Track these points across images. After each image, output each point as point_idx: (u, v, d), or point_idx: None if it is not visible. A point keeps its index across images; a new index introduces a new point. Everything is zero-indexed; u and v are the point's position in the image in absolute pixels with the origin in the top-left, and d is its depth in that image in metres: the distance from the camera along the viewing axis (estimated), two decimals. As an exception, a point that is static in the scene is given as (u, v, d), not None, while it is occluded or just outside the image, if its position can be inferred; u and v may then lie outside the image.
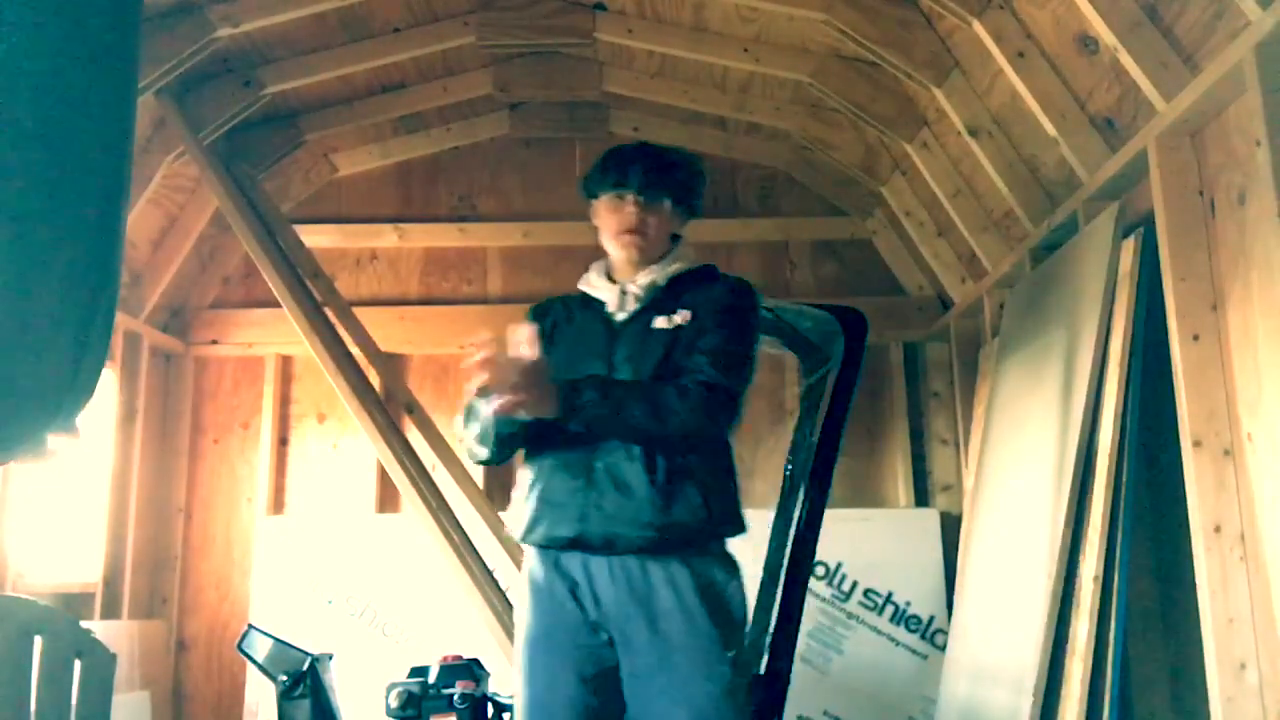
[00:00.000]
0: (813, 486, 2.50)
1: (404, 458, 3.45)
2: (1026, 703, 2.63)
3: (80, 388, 1.03)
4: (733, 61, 3.68)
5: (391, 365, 4.13)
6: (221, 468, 4.24)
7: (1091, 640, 2.49)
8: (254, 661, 2.91)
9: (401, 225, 4.41)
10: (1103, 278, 2.66)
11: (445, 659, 2.80)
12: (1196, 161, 2.39)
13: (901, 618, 3.92)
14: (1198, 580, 2.24)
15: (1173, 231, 2.38)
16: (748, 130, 4.27)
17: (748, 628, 1.95)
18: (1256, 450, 2.17)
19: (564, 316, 2.04)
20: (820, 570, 3.91)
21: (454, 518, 3.43)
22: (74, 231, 1.00)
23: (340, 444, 4.22)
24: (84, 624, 2.64)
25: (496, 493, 4.08)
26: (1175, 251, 2.37)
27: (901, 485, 4.13)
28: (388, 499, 4.11)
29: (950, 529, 3.92)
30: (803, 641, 3.56)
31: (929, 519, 4.03)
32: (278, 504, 4.18)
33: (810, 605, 3.51)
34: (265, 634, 2.92)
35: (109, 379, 3.81)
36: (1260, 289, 2.15)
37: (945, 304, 4.20)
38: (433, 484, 3.50)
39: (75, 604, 3.52)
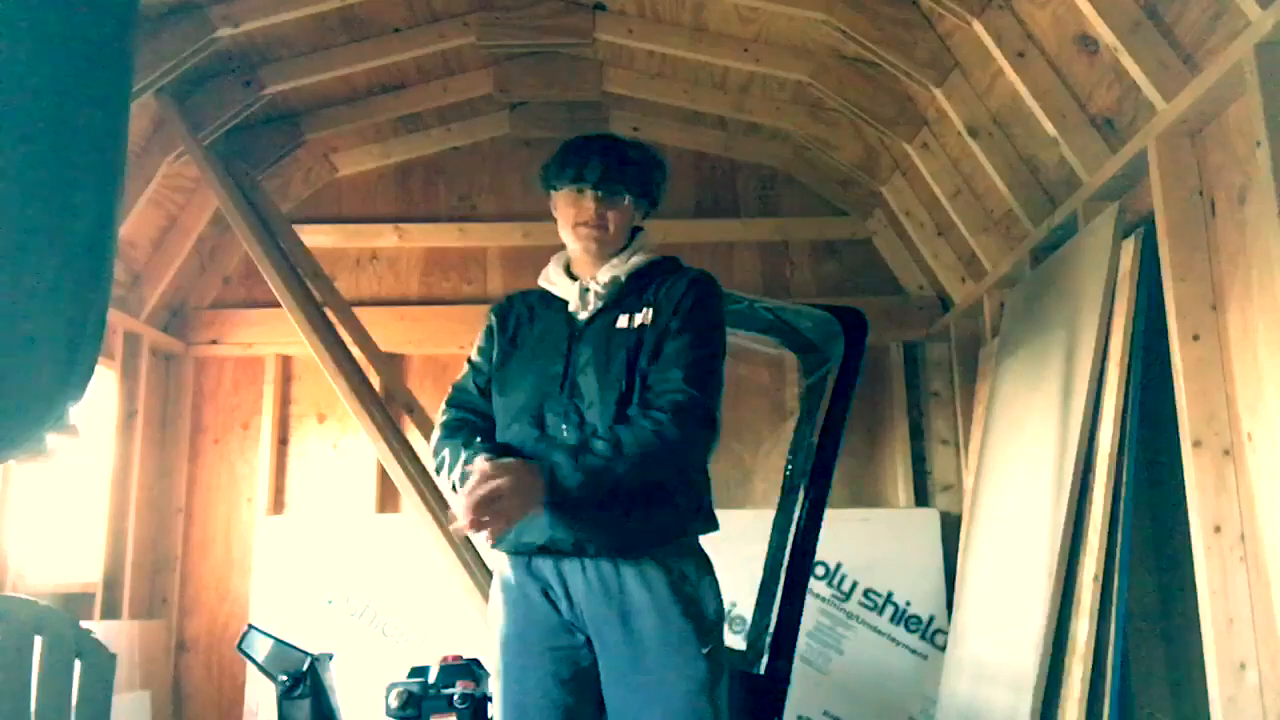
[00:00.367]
0: (813, 486, 2.49)
1: (404, 458, 3.44)
2: (1026, 703, 2.63)
3: (74, 386, 1.03)
4: (733, 61, 3.68)
5: (391, 365, 4.13)
6: (221, 468, 4.24)
7: (1091, 640, 2.49)
8: (254, 661, 2.91)
9: (401, 225, 4.41)
10: (1103, 278, 2.66)
11: (445, 659, 2.80)
12: (1196, 161, 2.39)
13: (901, 618, 3.92)
14: (1198, 580, 2.24)
15: (1173, 232, 2.38)
16: (748, 130, 4.27)
17: (724, 623, 1.92)
18: (1256, 450, 2.17)
19: (526, 315, 2.00)
20: (820, 570, 3.91)
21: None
22: (67, 231, 1.00)
23: (340, 444, 4.22)
24: (84, 624, 2.64)
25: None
26: (1175, 251, 2.37)
27: (901, 485, 4.13)
28: (388, 499, 4.11)
29: (950, 529, 3.92)
30: (803, 641, 3.56)
31: (929, 519, 4.03)
32: (278, 504, 4.18)
33: (810, 605, 3.51)
34: (265, 634, 2.92)
35: (109, 379, 3.81)
36: (1260, 289, 2.15)
37: (945, 304, 4.20)
38: (433, 484, 3.50)
39: (75, 604, 3.52)
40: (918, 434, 4.21)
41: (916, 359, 4.30)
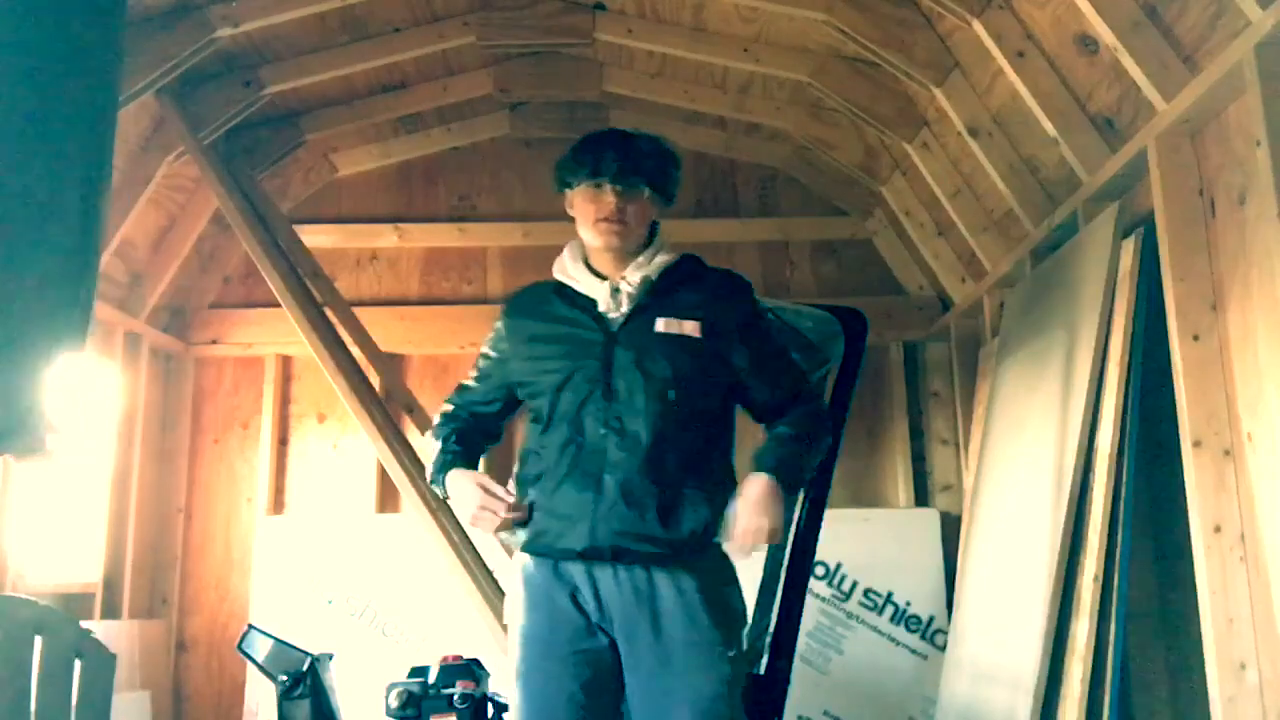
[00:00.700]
0: (812, 486, 2.49)
1: (404, 458, 3.44)
2: (1026, 703, 2.63)
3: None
4: (733, 61, 3.68)
5: (391, 365, 4.13)
6: (221, 468, 4.24)
7: (1091, 640, 2.49)
8: (254, 661, 2.91)
9: (401, 225, 4.41)
10: (1103, 278, 2.66)
11: (445, 659, 2.80)
12: (1196, 161, 2.39)
13: (901, 618, 3.92)
14: (1198, 580, 2.24)
15: (1173, 231, 2.38)
16: (748, 130, 4.27)
17: (746, 626, 1.96)
18: (1256, 450, 2.17)
19: (543, 311, 1.97)
20: (820, 570, 3.91)
21: (454, 518, 3.42)
22: (53, 225, 1.00)
23: (340, 444, 4.22)
24: (84, 624, 2.64)
25: (496, 493, 4.08)
26: (1175, 251, 2.37)
27: (901, 485, 4.13)
28: (388, 499, 4.11)
29: (950, 529, 3.92)
30: (803, 641, 3.55)
31: (929, 519, 4.03)
32: (278, 504, 4.18)
33: (810, 605, 3.51)
34: (265, 634, 2.92)
35: (109, 379, 3.80)
36: (1260, 289, 2.15)
37: (945, 304, 4.20)
38: (433, 484, 3.50)
39: (75, 604, 3.52)
40: (918, 434, 4.21)
41: (916, 359, 4.30)
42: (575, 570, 1.85)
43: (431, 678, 2.74)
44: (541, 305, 1.98)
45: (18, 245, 0.96)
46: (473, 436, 2.03)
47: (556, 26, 3.73)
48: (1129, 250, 2.62)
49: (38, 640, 2.42)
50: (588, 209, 1.93)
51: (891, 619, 3.92)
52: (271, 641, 2.89)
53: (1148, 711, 2.68)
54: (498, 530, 1.88)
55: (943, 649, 3.75)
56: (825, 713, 3.82)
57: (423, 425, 3.90)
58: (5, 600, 2.61)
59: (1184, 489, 2.29)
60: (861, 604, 3.93)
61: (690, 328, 1.89)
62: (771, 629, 2.40)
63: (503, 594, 3.28)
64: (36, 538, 3.32)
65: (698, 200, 4.41)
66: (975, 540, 3.43)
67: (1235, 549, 2.20)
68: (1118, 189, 2.71)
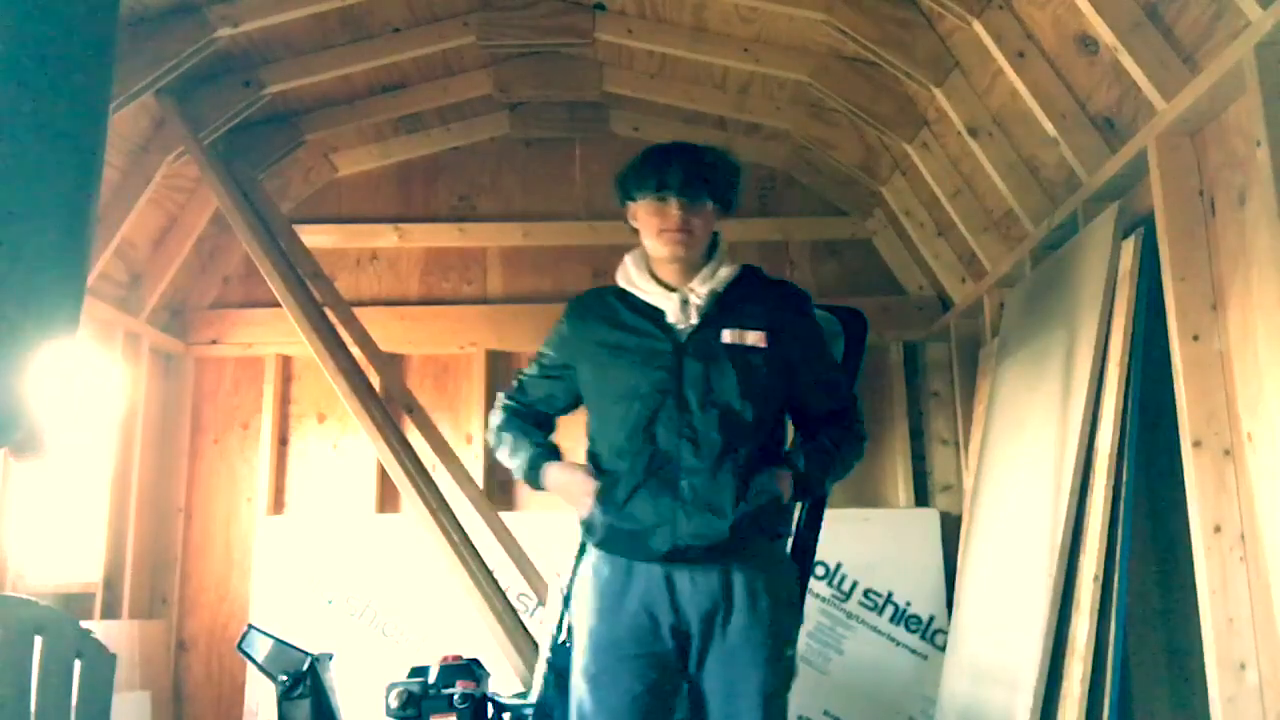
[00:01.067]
0: (813, 487, 2.49)
1: (404, 458, 3.44)
2: (1026, 702, 2.63)
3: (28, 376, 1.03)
4: (733, 61, 3.68)
5: (391, 365, 4.13)
6: (221, 468, 4.24)
7: (1091, 640, 2.49)
8: (254, 661, 2.91)
9: (401, 225, 4.41)
10: (1103, 278, 2.66)
11: (445, 659, 2.80)
12: (1196, 161, 2.39)
13: (901, 618, 3.92)
14: (1198, 580, 2.24)
15: (1173, 231, 2.38)
16: (747, 130, 4.27)
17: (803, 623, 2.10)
18: (1256, 450, 2.17)
19: (609, 318, 2.01)
20: (820, 570, 3.91)
21: (454, 518, 3.42)
22: (42, 222, 1.00)
23: (340, 444, 4.22)
24: (84, 624, 2.64)
25: (496, 492, 4.08)
26: (1175, 251, 2.37)
27: (901, 485, 4.13)
28: (388, 499, 4.11)
29: (950, 529, 3.92)
30: (803, 641, 3.56)
31: (929, 519, 4.03)
32: (278, 504, 4.18)
33: (810, 605, 3.51)
34: (265, 634, 2.92)
35: (109, 379, 3.80)
36: (1260, 289, 2.15)
37: (945, 304, 4.20)
38: (433, 484, 3.50)
39: (75, 604, 3.52)
40: (918, 434, 4.21)
41: (916, 359, 4.31)
42: (651, 572, 1.90)
43: (431, 678, 2.74)
44: (607, 312, 2.03)
45: (7, 229, 0.96)
46: (539, 432, 2.12)
47: (556, 26, 3.73)
48: (1129, 250, 2.62)
49: (38, 640, 2.41)
50: (652, 221, 1.97)
51: (891, 619, 3.92)
52: (271, 641, 2.89)
53: (1148, 711, 2.68)
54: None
55: (942, 649, 3.75)
56: (825, 713, 3.83)
57: (423, 425, 3.90)
58: (5, 600, 2.61)
59: (1184, 489, 2.29)
60: (861, 604, 3.93)
61: (755, 338, 1.95)
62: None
63: (503, 594, 3.29)
64: (36, 538, 3.32)
65: (698, 200, 4.41)
66: (975, 540, 3.43)
67: (1235, 549, 2.20)
68: (1118, 189, 2.71)
